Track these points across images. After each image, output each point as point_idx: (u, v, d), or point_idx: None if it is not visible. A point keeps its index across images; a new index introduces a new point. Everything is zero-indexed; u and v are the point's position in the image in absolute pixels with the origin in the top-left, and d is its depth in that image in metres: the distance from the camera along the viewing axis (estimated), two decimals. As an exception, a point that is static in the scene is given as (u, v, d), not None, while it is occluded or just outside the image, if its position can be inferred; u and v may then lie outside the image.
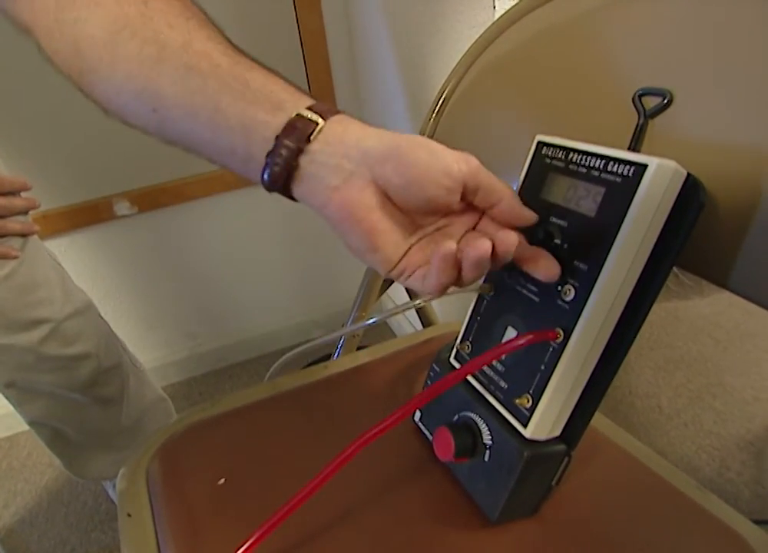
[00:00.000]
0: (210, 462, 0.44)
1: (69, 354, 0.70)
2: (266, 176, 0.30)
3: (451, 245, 0.28)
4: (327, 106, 0.30)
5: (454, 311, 0.97)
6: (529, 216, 0.31)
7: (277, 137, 0.29)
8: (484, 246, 0.27)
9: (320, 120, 0.29)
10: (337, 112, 0.30)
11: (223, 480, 0.41)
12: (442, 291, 0.29)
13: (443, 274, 0.28)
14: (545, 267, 0.29)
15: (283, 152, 0.29)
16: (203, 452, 0.45)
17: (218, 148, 0.31)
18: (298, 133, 0.29)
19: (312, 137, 0.29)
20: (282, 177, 0.30)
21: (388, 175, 0.28)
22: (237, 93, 0.29)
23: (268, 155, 0.29)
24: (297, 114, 0.29)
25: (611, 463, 0.41)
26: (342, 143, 0.29)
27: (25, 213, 0.65)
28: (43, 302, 0.66)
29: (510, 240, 0.28)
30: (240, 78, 0.30)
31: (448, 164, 0.28)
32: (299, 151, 0.29)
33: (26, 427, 0.78)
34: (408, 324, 1.27)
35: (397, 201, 0.29)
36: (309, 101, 0.30)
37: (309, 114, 0.29)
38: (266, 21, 1.00)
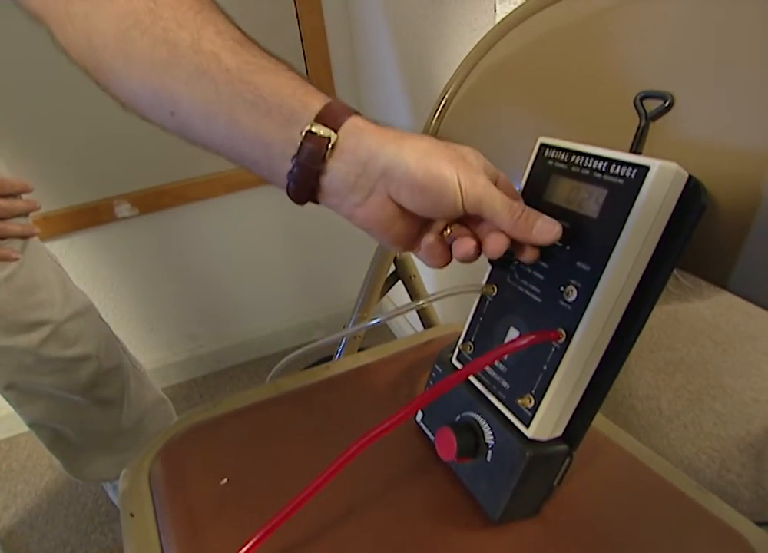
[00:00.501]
0: (212, 463, 0.44)
1: (69, 356, 0.70)
2: (289, 193, 0.31)
3: (429, 239, 0.32)
4: (338, 108, 0.30)
5: (455, 312, 0.98)
6: (537, 238, 0.30)
7: (294, 157, 0.30)
8: (466, 247, 0.31)
9: (332, 135, 0.29)
10: (348, 114, 0.30)
11: (225, 480, 0.41)
12: (440, 267, 0.33)
13: (432, 259, 0.33)
14: (529, 255, 0.32)
15: (302, 173, 0.30)
16: (206, 453, 0.45)
17: (240, 157, 0.32)
18: (313, 154, 0.29)
19: (327, 155, 0.29)
20: (305, 195, 0.31)
21: (403, 199, 0.30)
22: (250, 103, 0.29)
23: (288, 174, 0.30)
24: (309, 131, 0.29)
25: (613, 464, 0.41)
26: (358, 162, 0.29)
27: (26, 215, 0.65)
28: (43, 304, 0.66)
29: (497, 247, 0.30)
30: (251, 85, 0.30)
31: (456, 196, 0.29)
32: (318, 173, 0.30)
33: (26, 428, 0.78)
34: (408, 326, 1.27)
35: (409, 211, 0.31)
36: (319, 105, 0.30)
37: (321, 130, 0.29)
38: (267, 20, 1.00)
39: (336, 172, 0.30)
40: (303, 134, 0.29)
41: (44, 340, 0.67)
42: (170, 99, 0.30)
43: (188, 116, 0.31)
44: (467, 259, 0.31)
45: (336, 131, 0.29)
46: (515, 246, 0.31)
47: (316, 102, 0.30)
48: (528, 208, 0.31)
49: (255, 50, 0.31)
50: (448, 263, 0.33)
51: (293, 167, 0.30)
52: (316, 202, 0.32)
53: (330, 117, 0.29)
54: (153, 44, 0.29)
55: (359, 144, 0.29)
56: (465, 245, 0.31)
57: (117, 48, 0.30)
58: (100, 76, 0.31)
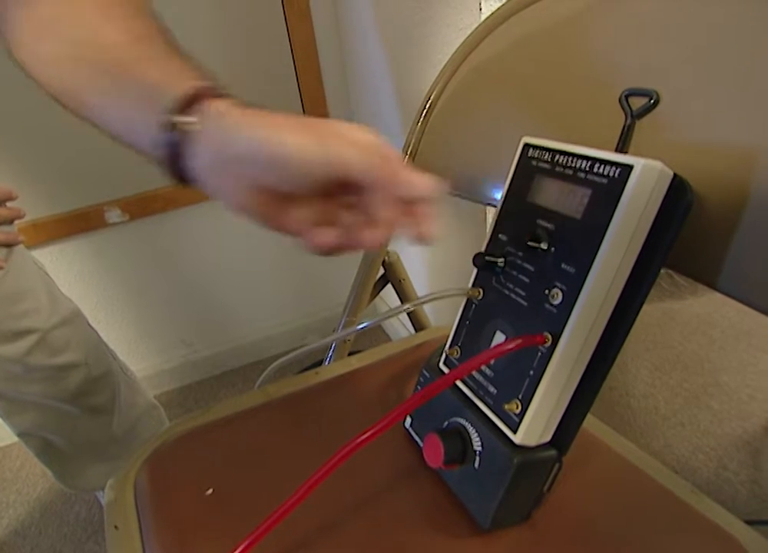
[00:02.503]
0: (199, 472, 0.43)
1: (57, 364, 0.69)
2: (166, 177, 0.32)
3: (300, 215, 0.31)
4: (204, 91, 0.30)
5: (449, 314, 0.97)
6: (406, 187, 0.28)
7: (160, 141, 0.30)
8: (323, 238, 0.30)
9: (191, 120, 0.29)
10: (214, 98, 0.30)
11: (210, 490, 0.40)
12: (324, 253, 0.32)
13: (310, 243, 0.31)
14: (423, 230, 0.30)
15: (167, 157, 0.30)
16: (193, 462, 0.45)
17: (121, 139, 0.33)
18: (174, 138, 0.29)
19: (187, 140, 0.29)
20: (174, 177, 0.31)
21: (259, 177, 0.29)
22: (124, 88, 0.31)
23: (157, 156, 0.31)
24: (171, 115, 0.29)
25: (604, 467, 0.41)
26: (215, 146, 0.29)
27: (10, 222, 0.64)
28: (29, 313, 0.66)
29: (373, 239, 0.29)
30: (132, 72, 0.31)
31: (302, 161, 0.28)
32: (179, 156, 0.30)
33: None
34: (403, 328, 1.26)
35: (276, 190, 0.30)
36: (184, 90, 0.30)
37: (182, 115, 0.29)
38: (257, 28, 1.00)
39: (196, 157, 0.30)
40: (166, 118, 0.29)
41: (31, 348, 0.66)
42: (76, 96, 0.33)
43: (85, 104, 0.33)
44: (327, 251, 0.31)
45: (197, 115, 0.29)
46: (411, 225, 0.29)
47: (183, 86, 0.30)
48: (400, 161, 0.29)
49: (155, 43, 0.32)
50: (334, 251, 0.31)
51: (160, 150, 0.30)
52: (187, 184, 0.32)
53: (194, 101, 0.30)
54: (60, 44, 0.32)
55: (217, 128, 0.29)
56: (322, 236, 0.30)
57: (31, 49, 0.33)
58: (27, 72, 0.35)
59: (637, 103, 0.36)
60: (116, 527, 0.40)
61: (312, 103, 1.10)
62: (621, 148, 0.36)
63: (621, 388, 1.10)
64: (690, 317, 1.26)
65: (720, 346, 1.17)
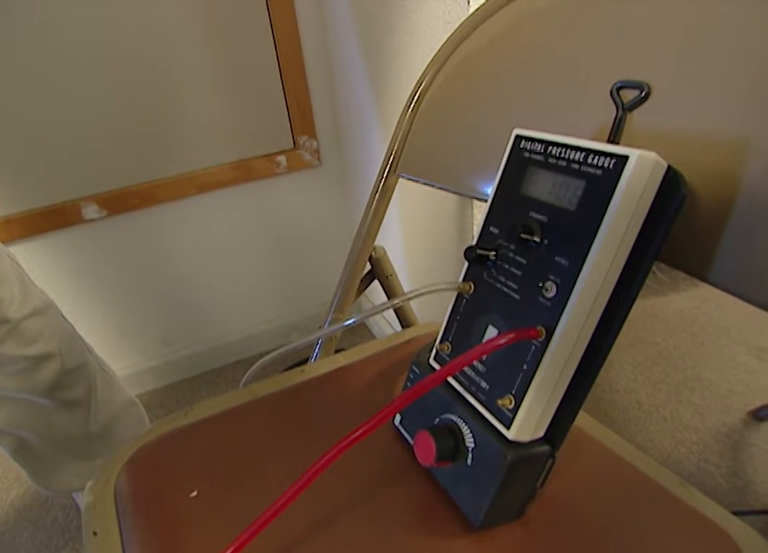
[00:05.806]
0: (182, 474, 0.42)
1: (30, 354, 0.68)
2: None
3: None
4: None
5: (435, 311, 0.96)
6: None
7: None
8: None
9: None
10: None
11: (195, 493, 0.39)
12: None
13: None
14: None
15: None
16: (176, 464, 0.43)
17: None
18: None
19: None
20: None
21: None
22: None
23: None
24: None
25: (595, 462, 0.40)
26: None
27: None
28: (1, 302, 0.64)
29: None
30: None
31: None
32: None
33: (-9, 442, 0.75)
34: (388, 327, 1.25)
35: None
36: None
37: None
38: (240, 21, 0.98)
39: None
40: None
41: (2, 339, 0.64)
42: None
43: None
44: None
45: None
46: None
47: None
48: None
49: None
50: None
51: None
52: None
53: None
54: None
55: None
56: None
57: None
58: None
59: (629, 95, 0.36)
60: (95, 533, 0.38)
61: (296, 96, 1.08)
62: (613, 141, 0.36)
63: (605, 384, 1.11)
64: (671, 313, 1.28)
65: (701, 341, 1.18)
